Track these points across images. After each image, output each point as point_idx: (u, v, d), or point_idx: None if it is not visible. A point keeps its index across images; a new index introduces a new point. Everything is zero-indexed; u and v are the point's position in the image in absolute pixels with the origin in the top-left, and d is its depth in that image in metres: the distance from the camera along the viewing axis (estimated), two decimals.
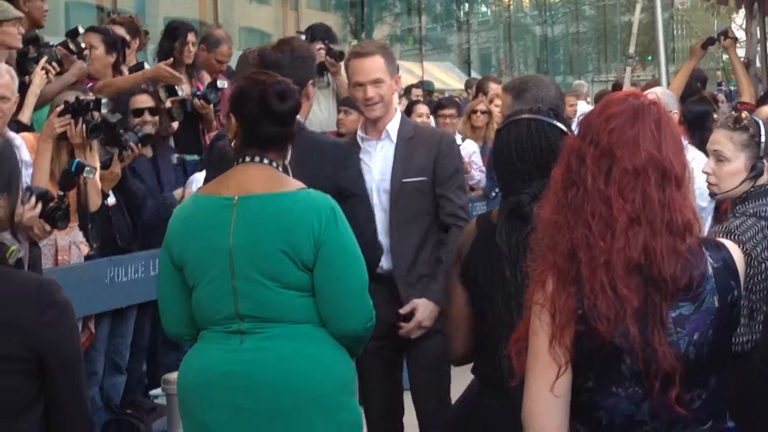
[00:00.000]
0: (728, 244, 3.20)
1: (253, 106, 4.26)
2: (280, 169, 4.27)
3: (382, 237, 5.42)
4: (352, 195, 4.77)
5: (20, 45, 7.19)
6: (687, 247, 3.02)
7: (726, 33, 10.95)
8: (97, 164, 6.65)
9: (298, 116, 4.71)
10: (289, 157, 4.43)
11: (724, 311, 3.08)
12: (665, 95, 6.55)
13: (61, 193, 5.74)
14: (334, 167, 4.88)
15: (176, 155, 8.18)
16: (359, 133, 5.80)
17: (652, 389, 2.98)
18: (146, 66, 8.51)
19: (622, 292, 2.94)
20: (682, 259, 2.99)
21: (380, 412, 5.69)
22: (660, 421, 3.06)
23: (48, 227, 5.67)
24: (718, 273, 3.08)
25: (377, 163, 5.65)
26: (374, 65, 5.60)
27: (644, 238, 2.98)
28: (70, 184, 5.92)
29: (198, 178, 6.87)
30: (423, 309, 5.39)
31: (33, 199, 5.34)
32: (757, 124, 4.80)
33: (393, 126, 5.69)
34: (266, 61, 5.05)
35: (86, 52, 7.74)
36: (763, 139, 4.67)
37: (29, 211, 5.50)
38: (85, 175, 6.12)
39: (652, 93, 6.35)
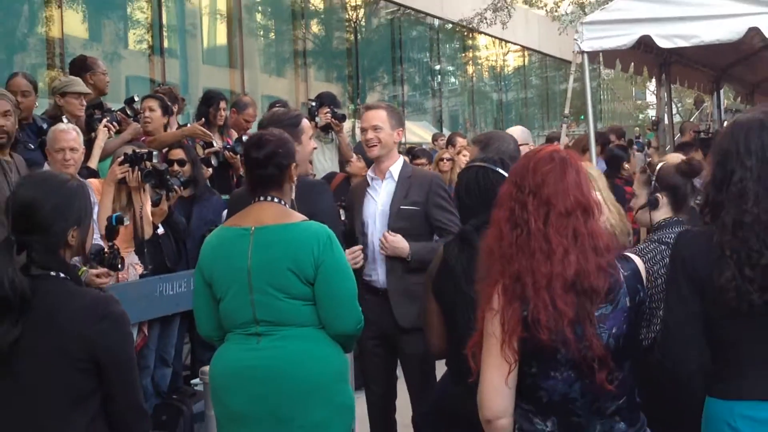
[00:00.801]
0: (633, 256, 3.27)
1: (246, 156, 4.36)
2: (287, 205, 4.27)
3: (378, 255, 5.47)
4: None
5: (82, 114, 7.15)
6: (607, 262, 3.08)
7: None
8: (149, 203, 6.65)
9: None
10: (293, 195, 4.45)
11: (633, 309, 3.15)
12: (523, 132, 6.59)
13: (110, 243, 5.75)
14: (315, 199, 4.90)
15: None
16: (369, 173, 5.80)
17: (587, 373, 3.05)
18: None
19: (560, 307, 3.01)
20: (605, 273, 3.07)
21: (378, 395, 5.65)
22: (587, 397, 3.11)
23: (112, 273, 5.72)
24: (628, 280, 3.16)
25: (381, 197, 5.61)
26: (376, 115, 5.62)
27: (577, 262, 3.04)
28: (114, 234, 5.94)
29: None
30: (400, 239, 5.40)
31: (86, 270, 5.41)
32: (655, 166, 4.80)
33: (396, 168, 5.65)
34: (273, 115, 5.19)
35: (146, 114, 7.74)
36: (653, 177, 4.66)
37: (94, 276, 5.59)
38: (122, 225, 6.14)
39: (516, 130, 6.62)
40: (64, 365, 3.22)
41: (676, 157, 5.06)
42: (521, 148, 6.19)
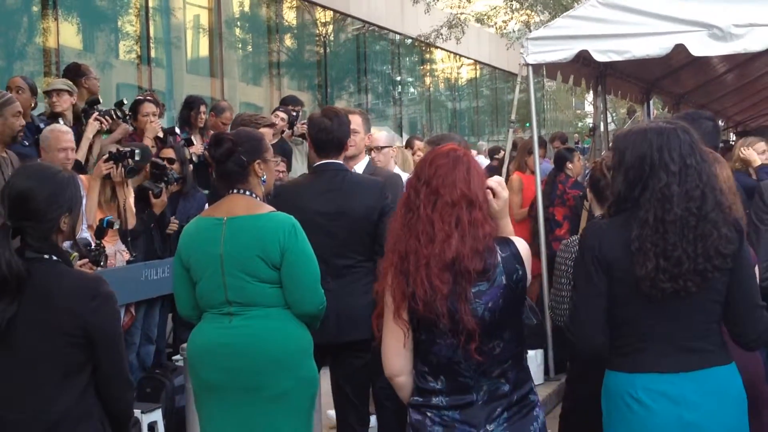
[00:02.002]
0: (515, 240, 3.29)
1: (208, 154, 4.47)
2: (258, 198, 4.24)
3: None
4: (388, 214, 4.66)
5: (63, 109, 7.13)
6: (485, 246, 3.13)
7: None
8: (132, 197, 6.64)
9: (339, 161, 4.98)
10: (268, 185, 4.44)
11: (510, 286, 3.17)
12: (388, 135, 6.75)
13: (98, 241, 5.73)
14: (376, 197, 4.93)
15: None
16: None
17: (460, 342, 3.13)
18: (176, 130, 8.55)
19: (436, 284, 3.10)
20: (481, 255, 3.12)
21: None
22: (471, 361, 3.16)
23: (94, 267, 5.69)
24: (506, 260, 3.18)
25: None
26: (354, 120, 5.55)
27: (456, 245, 3.11)
28: (103, 234, 5.95)
29: None
30: None
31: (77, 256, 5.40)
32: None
33: (360, 167, 5.66)
34: (315, 123, 5.07)
35: (146, 117, 7.75)
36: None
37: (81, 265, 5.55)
38: (112, 228, 6.17)
39: (381, 133, 6.75)
40: (58, 340, 3.22)
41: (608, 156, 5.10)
42: (384, 150, 6.42)
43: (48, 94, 7.45)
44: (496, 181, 3.29)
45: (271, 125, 7.36)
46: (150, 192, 6.93)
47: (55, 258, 3.33)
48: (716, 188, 3.29)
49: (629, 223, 3.28)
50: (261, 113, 9.24)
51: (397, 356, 3.25)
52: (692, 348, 3.28)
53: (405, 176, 10.25)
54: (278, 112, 8.98)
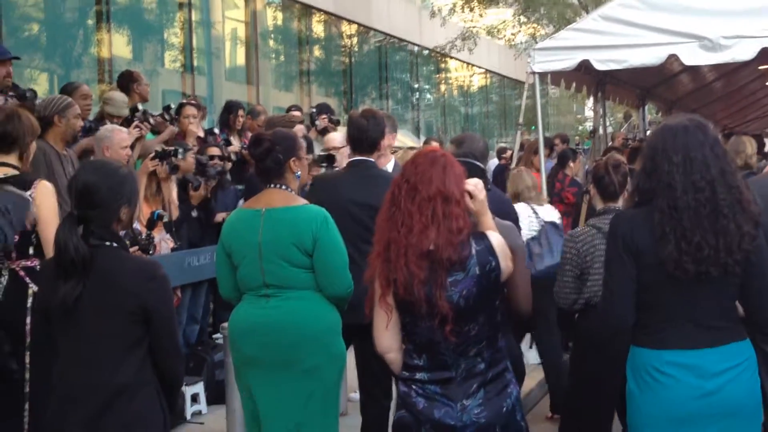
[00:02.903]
0: (491, 234, 3.29)
1: (248, 152, 4.45)
2: (293, 191, 4.26)
3: None
4: None
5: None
6: (459, 239, 3.14)
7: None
8: (174, 190, 6.69)
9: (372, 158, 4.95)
10: (303, 180, 4.46)
11: (483, 275, 3.18)
12: (342, 137, 6.39)
13: (148, 232, 5.78)
14: None
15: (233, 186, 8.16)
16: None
17: (436, 325, 3.15)
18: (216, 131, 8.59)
19: (413, 270, 3.12)
20: (455, 247, 3.13)
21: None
22: (447, 342, 3.18)
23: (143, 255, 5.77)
24: (480, 253, 3.19)
25: None
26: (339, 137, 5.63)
27: (433, 236, 3.13)
28: (153, 226, 6.00)
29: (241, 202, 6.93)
30: None
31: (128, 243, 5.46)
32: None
33: (389, 167, 5.61)
34: (353, 122, 5.08)
35: (184, 119, 7.79)
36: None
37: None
38: (162, 221, 6.22)
39: (337, 135, 6.56)
40: (119, 317, 3.26)
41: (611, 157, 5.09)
42: (342, 150, 6.26)
43: (106, 102, 7.47)
44: (473, 184, 3.28)
45: (301, 122, 7.38)
46: (189, 184, 7.00)
47: (115, 244, 3.37)
48: (731, 184, 3.25)
49: (653, 213, 3.27)
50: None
51: (383, 336, 3.27)
52: (712, 326, 3.29)
53: None
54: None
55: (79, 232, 3.26)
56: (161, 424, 3.36)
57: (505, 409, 3.25)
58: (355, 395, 5.75)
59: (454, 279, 3.15)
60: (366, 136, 4.99)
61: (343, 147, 6.58)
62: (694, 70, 11.72)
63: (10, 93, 6.23)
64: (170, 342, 3.39)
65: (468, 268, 3.17)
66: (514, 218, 4.38)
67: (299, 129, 5.77)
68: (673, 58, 8.15)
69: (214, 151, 7.57)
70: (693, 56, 8.08)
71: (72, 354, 3.31)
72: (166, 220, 6.54)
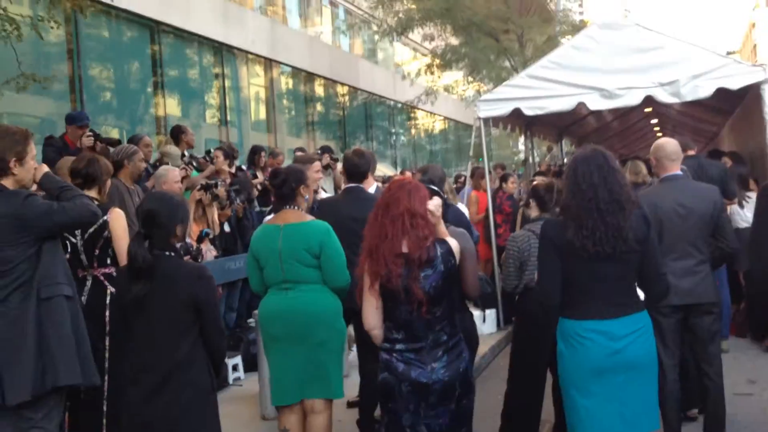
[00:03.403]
0: (449, 240, 3.32)
1: (270, 183, 4.45)
2: (303, 210, 4.24)
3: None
4: None
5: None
6: (426, 244, 3.18)
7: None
8: (216, 213, 6.67)
9: (362, 185, 4.92)
10: (310, 202, 4.43)
11: (447, 271, 3.22)
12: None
13: (198, 245, 5.76)
14: None
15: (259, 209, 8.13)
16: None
17: (414, 308, 3.17)
18: (244, 167, 8.54)
19: (391, 267, 3.15)
20: (423, 250, 3.16)
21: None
22: (422, 320, 3.20)
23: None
24: (443, 254, 3.23)
25: None
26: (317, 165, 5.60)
27: (406, 242, 3.17)
28: (201, 241, 6.00)
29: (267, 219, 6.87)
30: None
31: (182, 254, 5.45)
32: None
33: (372, 189, 5.50)
34: (348, 159, 5.05)
35: (216, 159, 7.73)
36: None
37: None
38: (208, 237, 6.28)
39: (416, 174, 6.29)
40: (177, 308, 3.25)
41: (540, 179, 5.07)
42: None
43: (163, 154, 7.47)
44: (433, 205, 3.31)
45: (320, 159, 7.35)
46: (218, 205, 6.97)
47: (173, 254, 3.36)
48: (622, 194, 3.29)
49: (568, 219, 3.32)
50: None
51: (371, 316, 3.27)
52: (618, 302, 3.32)
53: None
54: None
55: (145, 246, 3.25)
56: (209, 387, 3.35)
57: (461, 369, 3.28)
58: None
59: (425, 274, 3.16)
60: (358, 170, 4.98)
61: None
62: (597, 113, 11.76)
63: (103, 137, 6.48)
64: (215, 325, 3.36)
65: (435, 266, 3.18)
66: (467, 226, 4.35)
67: (317, 165, 5.73)
68: (581, 104, 8.19)
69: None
70: (595, 103, 8.11)
71: (143, 335, 3.29)
72: (212, 236, 6.52)
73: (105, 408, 4.11)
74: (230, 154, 8.00)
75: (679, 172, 4.53)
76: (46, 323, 3.35)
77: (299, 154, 8.07)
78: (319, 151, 9.45)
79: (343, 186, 5.29)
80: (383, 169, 19.56)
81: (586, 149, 3.44)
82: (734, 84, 7.55)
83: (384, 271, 3.14)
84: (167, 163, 7.12)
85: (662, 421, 4.18)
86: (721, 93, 7.68)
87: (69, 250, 4.19)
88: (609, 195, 3.28)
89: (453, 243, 3.29)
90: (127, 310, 3.32)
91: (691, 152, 7.54)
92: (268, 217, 6.39)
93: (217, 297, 3.67)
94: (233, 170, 8.04)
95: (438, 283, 3.18)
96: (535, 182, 4.79)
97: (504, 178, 9.89)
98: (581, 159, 3.37)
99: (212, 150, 7.88)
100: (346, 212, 4.76)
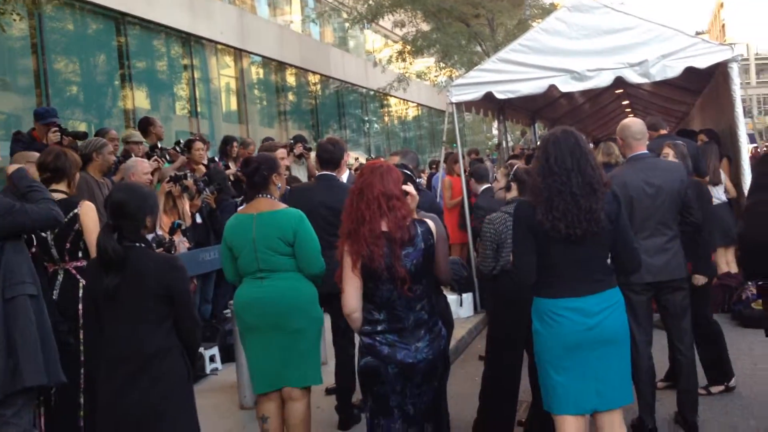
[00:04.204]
0: (428, 220, 3.37)
1: (241, 171, 4.39)
2: (276, 199, 4.22)
3: None
4: None
5: (140, 155, 7.07)
6: (405, 224, 3.22)
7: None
8: (187, 205, 6.63)
9: (334, 173, 4.94)
10: (282, 190, 4.42)
11: (426, 249, 3.28)
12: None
13: (170, 237, 5.73)
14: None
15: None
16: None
17: (396, 286, 3.21)
18: (216, 159, 8.49)
19: (372, 248, 3.18)
20: (404, 229, 3.21)
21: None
22: (402, 299, 3.24)
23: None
24: (423, 233, 3.28)
25: None
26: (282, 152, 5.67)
27: (384, 223, 3.20)
28: (174, 232, 5.97)
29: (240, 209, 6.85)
30: None
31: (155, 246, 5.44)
32: (512, 166, 4.85)
33: (344, 177, 5.58)
34: (321, 147, 5.07)
35: (199, 152, 7.68)
36: (511, 173, 4.70)
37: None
38: (180, 228, 6.22)
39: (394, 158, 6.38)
40: (149, 298, 3.24)
41: (515, 161, 5.09)
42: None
43: (127, 143, 7.39)
44: (409, 188, 3.35)
45: (284, 147, 7.34)
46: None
47: (143, 245, 3.35)
48: (594, 177, 3.33)
49: (538, 203, 3.34)
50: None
51: (353, 298, 3.25)
52: (592, 279, 3.35)
53: None
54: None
55: (114, 238, 3.24)
56: (185, 377, 3.35)
57: (442, 347, 3.34)
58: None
59: (406, 252, 3.21)
60: (330, 157, 4.99)
61: None
62: (569, 96, 11.86)
63: (70, 131, 6.45)
64: (189, 315, 3.36)
65: (416, 244, 3.23)
66: (439, 212, 4.38)
67: (281, 152, 5.72)
68: (552, 87, 8.24)
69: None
70: (567, 85, 8.16)
71: (116, 328, 3.28)
72: (184, 227, 6.48)
73: (82, 401, 4.10)
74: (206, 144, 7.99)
75: (645, 151, 4.60)
76: (11, 324, 3.34)
77: (265, 143, 8.07)
78: (291, 141, 9.44)
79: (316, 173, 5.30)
80: (358, 156, 19.60)
81: (557, 130, 3.46)
82: (703, 63, 7.64)
83: (366, 252, 3.17)
84: (134, 153, 7.07)
85: (636, 396, 4.28)
86: (691, 72, 7.78)
87: (36, 243, 4.14)
88: (582, 179, 3.31)
89: (431, 223, 3.35)
90: (98, 303, 3.31)
91: (663, 131, 7.65)
92: (241, 207, 6.39)
93: (190, 287, 3.66)
94: (205, 161, 7.99)
95: (419, 260, 3.23)
96: (516, 165, 4.81)
97: (475, 169, 9.88)
98: (553, 141, 3.39)
99: (181, 141, 7.83)
100: (319, 200, 4.77)
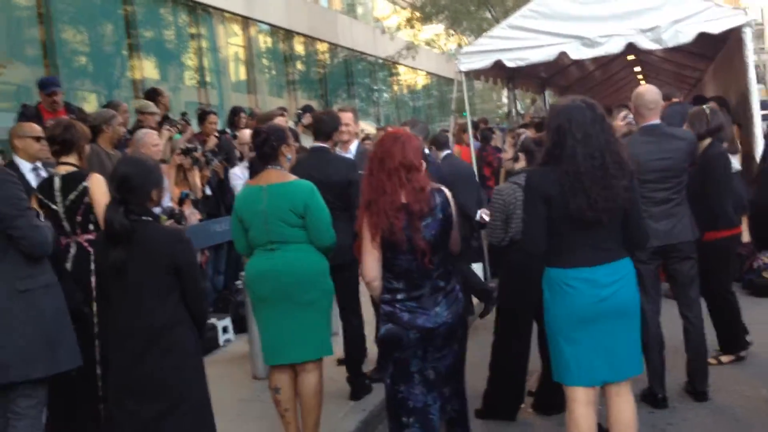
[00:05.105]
0: (444, 189, 3.38)
1: (251, 142, 4.38)
2: (285, 170, 4.19)
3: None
4: (355, 182, 4.60)
5: (154, 124, 7.03)
6: (425, 194, 3.24)
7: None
8: (198, 176, 6.63)
9: (327, 145, 4.93)
10: (293, 162, 4.39)
11: (444, 219, 3.30)
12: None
13: (179, 208, 5.72)
14: (347, 171, 4.84)
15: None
16: (338, 149, 5.54)
17: (417, 257, 3.25)
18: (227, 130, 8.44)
19: (392, 220, 3.20)
20: (423, 200, 3.23)
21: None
22: (420, 269, 3.28)
23: (178, 225, 5.68)
24: (441, 203, 3.31)
25: None
26: (350, 116, 5.59)
27: (404, 194, 3.22)
28: (182, 203, 5.98)
29: (236, 173, 6.81)
30: None
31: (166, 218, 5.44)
32: (520, 136, 4.79)
33: (353, 147, 5.58)
34: (315, 116, 5.08)
35: (212, 125, 7.70)
36: (519, 143, 4.65)
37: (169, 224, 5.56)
38: (189, 198, 6.27)
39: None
40: (157, 271, 3.24)
41: (523, 130, 5.03)
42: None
43: (142, 113, 7.33)
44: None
45: (281, 114, 7.31)
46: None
47: (150, 218, 3.34)
48: (614, 150, 3.27)
49: (555, 171, 3.28)
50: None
51: (372, 268, 3.31)
52: (604, 248, 3.31)
53: None
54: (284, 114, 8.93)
55: (121, 212, 3.23)
56: (194, 349, 3.36)
57: (460, 311, 3.41)
58: None
59: (426, 223, 3.25)
60: (322, 128, 4.99)
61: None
62: (579, 63, 11.72)
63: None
64: (196, 288, 3.36)
65: (435, 214, 3.26)
66: (449, 185, 4.35)
67: (280, 120, 5.71)
68: (563, 54, 8.14)
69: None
70: (577, 52, 8.07)
71: (124, 301, 3.29)
72: (192, 198, 6.48)
73: (99, 372, 4.14)
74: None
75: (657, 121, 4.53)
76: (26, 317, 3.39)
77: (259, 113, 8.03)
78: (300, 111, 9.39)
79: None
80: (366, 127, 19.49)
81: (576, 102, 3.33)
82: (715, 28, 7.52)
83: (386, 225, 3.20)
84: (148, 124, 7.04)
85: (646, 366, 4.28)
86: (703, 38, 7.66)
87: (46, 217, 4.14)
88: (612, 158, 3.24)
89: (448, 193, 3.37)
90: (106, 277, 3.32)
91: (676, 100, 7.56)
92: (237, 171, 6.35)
93: (197, 260, 3.67)
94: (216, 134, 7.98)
95: (438, 230, 3.27)
96: (525, 135, 4.75)
97: (485, 135, 9.83)
98: (577, 118, 3.24)
99: (186, 113, 7.81)
100: (308, 172, 4.69)
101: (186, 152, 6.45)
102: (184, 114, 7.67)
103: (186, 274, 3.29)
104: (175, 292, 3.29)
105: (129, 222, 3.23)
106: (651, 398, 4.54)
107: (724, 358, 5.25)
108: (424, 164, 3.38)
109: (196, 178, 6.63)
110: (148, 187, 3.33)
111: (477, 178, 8.54)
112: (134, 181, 3.29)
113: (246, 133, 6.90)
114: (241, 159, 7.18)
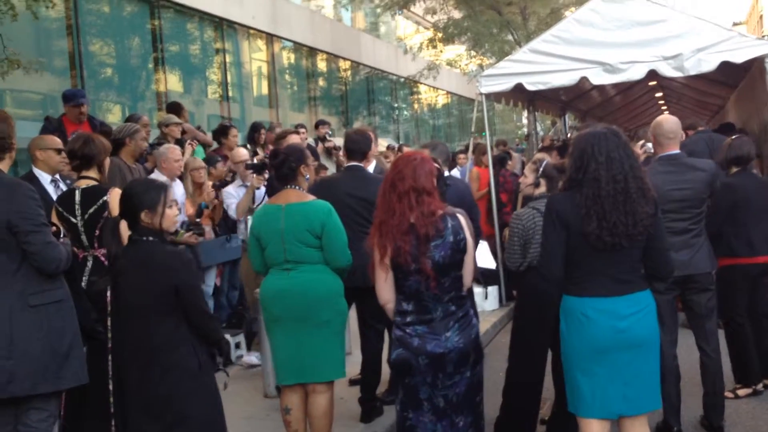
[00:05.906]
0: (458, 214, 3.32)
1: (270, 162, 4.37)
2: (304, 190, 4.19)
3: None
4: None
5: (179, 136, 7.07)
6: (435, 218, 3.19)
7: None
8: (210, 185, 6.61)
9: (361, 164, 4.90)
10: (311, 181, 4.38)
11: (455, 243, 3.23)
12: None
13: (198, 220, 5.72)
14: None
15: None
16: None
17: (423, 279, 3.20)
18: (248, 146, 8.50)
19: (399, 243, 3.16)
20: (432, 224, 3.17)
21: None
22: (431, 291, 3.22)
23: (198, 237, 5.69)
24: (453, 227, 3.23)
25: None
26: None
27: (413, 218, 3.17)
28: (201, 215, 5.96)
29: (230, 191, 6.66)
30: None
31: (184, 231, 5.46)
32: (541, 161, 4.75)
33: (371, 167, 5.53)
34: (349, 138, 5.02)
35: (233, 138, 7.74)
36: (540, 168, 4.60)
37: (188, 237, 5.58)
38: (207, 209, 6.23)
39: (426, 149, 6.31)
40: (156, 291, 3.20)
41: (544, 156, 4.97)
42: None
43: (166, 125, 7.37)
44: None
45: (295, 132, 7.28)
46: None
47: (152, 239, 3.31)
48: (638, 176, 3.25)
49: (576, 196, 3.25)
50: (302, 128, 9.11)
51: (384, 290, 3.28)
52: (623, 279, 3.27)
53: None
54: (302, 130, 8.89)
55: (112, 233, 3.29)
56: (196, 369, 3.27)
57: (473, 336, 3.32)
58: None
59: (435, 244, 3.19)
60: (358, 148, 4.94)
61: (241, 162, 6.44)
62: (600, 88, 11.66)
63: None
64: (197, 308, 3.29)
65: (445, 237, 3.20)
66: (468, 207, 4.30)
67: (294, 138, 5.69)
68: (584, 79, 8.10)
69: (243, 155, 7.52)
70: (598, 77, 8.03)
71: (125, 320, 3.29)
72: (210, 209, 6.47)
73: (111, 387, 4.12)
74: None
75: (677, 150, 4.48)
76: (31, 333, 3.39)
77: (278, 130, 8.03)
78: (324, 132, 9.47)
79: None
80: (384, 144, 19.53)
81: (598, 130, 3.32)
82: (738, 57, 7.45)
83: (392, 245, 3.17)
84: (172, 135, 7.08)
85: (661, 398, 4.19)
86: (726, 66, 7.59)
87: (66, 230, 4.16)
88: (636, 184, 3.22)
89: (462, 218, 3.31)
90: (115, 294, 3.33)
91: (701, 128, 7.50)
92: (265, 198, 6.34)
93: (199, 281, 3.63)
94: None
95: (447, 253, 3.20)
96: (546, 161, 4.70)
97: (501, 158, 9.76)
98: (602, 144, 3.24)
99: (200, 126, 7.85)
100: (345, 191, 4.73)
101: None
102: (198, 127, 7.71)
103: (186, 295, 3.23)
104: (175, 313, 3.23)
105: (130, 242, 3.25)
106: (667, 431, 4.46)
107: (741, 392, 5.15)
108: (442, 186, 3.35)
109: (208, 185, 6.63)
110: (138, 208, 3.30)
111: (495, 204, 8.50)
112: (127, 203, 3.31)
113: (240, 152, 6.89)
114: (232, 179, 7.08)
